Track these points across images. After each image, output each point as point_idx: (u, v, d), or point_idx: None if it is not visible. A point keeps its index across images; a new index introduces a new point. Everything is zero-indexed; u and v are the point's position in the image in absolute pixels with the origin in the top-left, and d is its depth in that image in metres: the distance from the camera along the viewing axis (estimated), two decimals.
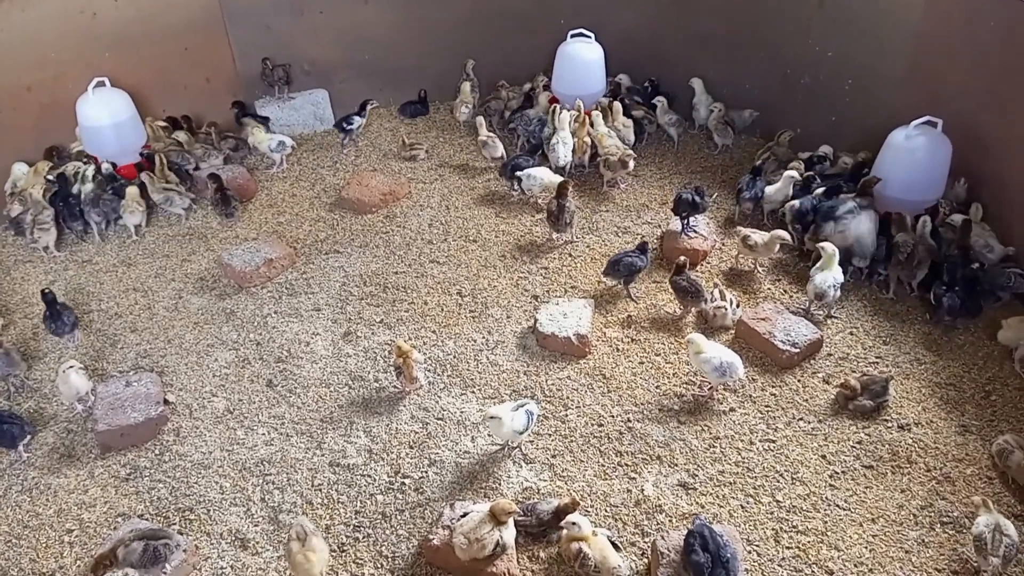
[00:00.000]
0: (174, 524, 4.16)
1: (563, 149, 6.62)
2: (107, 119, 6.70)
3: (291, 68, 7.64)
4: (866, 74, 6.42)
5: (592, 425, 4.69)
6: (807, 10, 6.69)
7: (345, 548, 4.06)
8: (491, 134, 7.08)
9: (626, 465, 4.45)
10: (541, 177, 6.41)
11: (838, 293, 5.20)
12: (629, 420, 4.71)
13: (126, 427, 4.61)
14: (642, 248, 5.56)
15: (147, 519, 4.18)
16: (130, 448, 4.64)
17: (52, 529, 4.25)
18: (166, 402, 4.82)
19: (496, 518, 3.73)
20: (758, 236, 5.58)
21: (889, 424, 4.62)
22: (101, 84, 6.74)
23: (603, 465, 4.46)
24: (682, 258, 5.35)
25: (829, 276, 5.18)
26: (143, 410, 4.68)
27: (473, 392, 4.97)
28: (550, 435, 4.65)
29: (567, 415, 4.77)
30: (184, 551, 3.92)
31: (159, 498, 4.36)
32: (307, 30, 7.63)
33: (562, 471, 4.43)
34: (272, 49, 7.54)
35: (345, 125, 7.50)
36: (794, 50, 6.82)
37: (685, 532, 3.72)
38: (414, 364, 4.82)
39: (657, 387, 4.92)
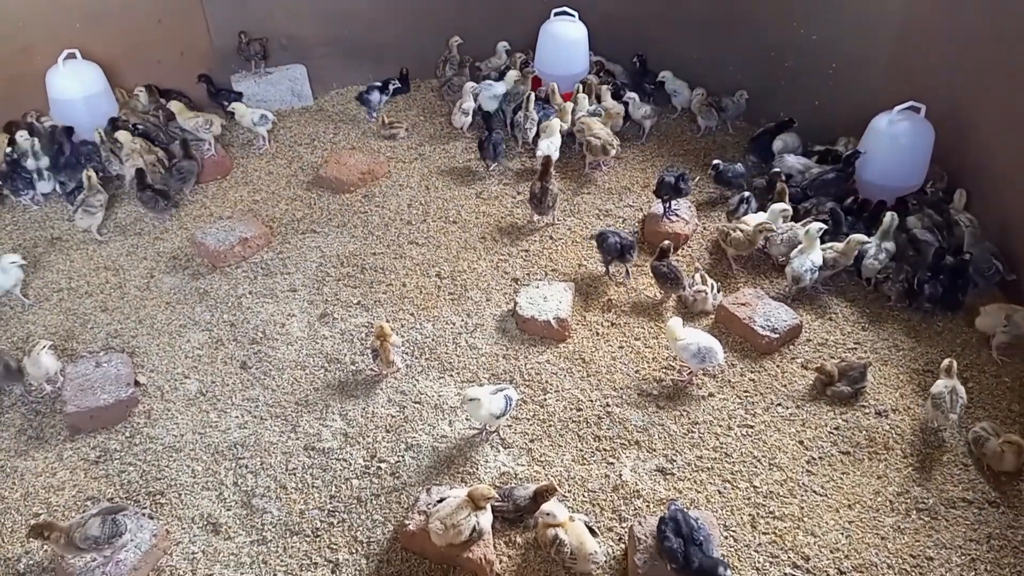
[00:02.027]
0: (145, 509, 4.08)
1: (545, 144, 6.45)
2: (79, 92, 6.53)
3: (268, 42, 7.47)
4: (850, 59, 6.39)
5: (571, 410, 4.66)
6: None
7: (319, 533, 4.00)
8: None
9: (604, 450, 4.42)
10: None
11: (816, 275, 5.18)
12: (608, 405, 4.68)
13: (96, 409, 4.51)
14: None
15: (117, 503, 4.09)
16: (100, 430, 4.54)
17: (18, 513, 4.15)
18: (137, 384, 4.72)
19: (475, 503, 3.69)
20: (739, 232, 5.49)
21: (866, 410, 4.63)
22: (72, 56, 6.56)
23: (581, 450, 4.43)
24: (666, 242, 5.30)
25: (807, 260, 5.16)
26: (113, 392, 4.58)
27: (451, 375, 4.91)
28: (528, 419, 4.61)
29: (546, 399, 4.73)
30: (154, 535, 3.85)
31: (129, 481, 4.27)
32: (285, 4, 7.47)
33: (540, 456, 4.39)
34: (249, 23, 7.36)
35: (365, 96, 7.43)
36: (778, 33, 6.77)
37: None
38: (391, 347, 4.75)
39: (636, 372, 4.89)
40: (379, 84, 7.56)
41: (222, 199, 6.47)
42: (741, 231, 5.47)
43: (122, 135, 6.31)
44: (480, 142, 6.50)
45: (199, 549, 3.95)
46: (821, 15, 6.47)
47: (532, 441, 4.48)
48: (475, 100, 7.09)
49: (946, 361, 4.44)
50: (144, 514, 3.98)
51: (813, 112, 6.72)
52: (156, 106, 7.01)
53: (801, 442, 4.44)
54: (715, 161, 6.21)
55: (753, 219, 5.57)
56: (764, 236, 5.44)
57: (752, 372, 4.86)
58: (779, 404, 4.66)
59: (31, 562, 3.91)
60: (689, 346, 4.57)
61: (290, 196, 6.52)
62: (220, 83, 7.41)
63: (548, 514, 3.73)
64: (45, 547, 3.93)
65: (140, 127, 6.60)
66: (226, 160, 6.81)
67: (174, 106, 6.75)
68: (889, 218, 5.36)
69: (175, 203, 6.29)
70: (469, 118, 7.09)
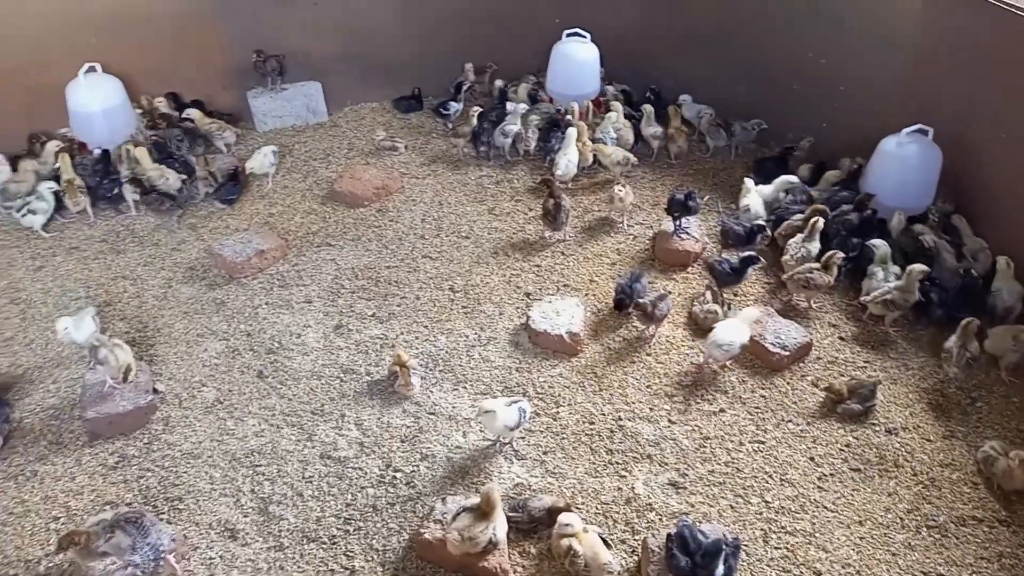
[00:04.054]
0: (163, 514, 4.12)
1: (564, 161, 6.57)
2: (98, 105, 6.64)
3: (285, 59, 7.58)
4: (859, 81, 6.49)
5: (583, 423, 4.71)
6: (802, 17, 6.75)
7: (336, 540, 4.04)
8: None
9: (617, 463, 4.47)
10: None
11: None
12: (620, 419, 4.73)
13: (114, 415, 4.56)
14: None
15: (135, 507, 4.13)
16: (118, 436, 4.59)
17: (38, 516, 4.20)
18: (155, 391, 4.78)
19: (486, 503, 3.73)
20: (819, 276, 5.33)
21: (876, 428, 4.67)
22: (92, 70, 6.68)
23: (594, 463, 4.47)
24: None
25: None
26: (132, 398, 4.63)
27: (465, 388, 4.97)
28: (542, 432, 4.66)
29: (558, 412, 4.78)
30: (173, 540, 3.89)
31: (147, 487, 4.32)
32: (300, 21, 7.59)
33: (553, 468, 4.44)
34: (264, 39, 7.48)
35: (442, 111, 7.48)
36: (788, 56, 6.88)
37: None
38: (411, 372, 4.82)
39: (648, 386, 4.94)
40: (451, 93, 7.71)
41: (238, 212, 6.56)
42: (821, 273, 5.31)
43: (140, 153, 6.40)
44: (545, 210, 6.08)
45: (217, 555, 3.99)
46: (831, 38, 6.58)
47: (545, 453, 4.53)
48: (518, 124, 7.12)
49: (964, 321, 4.78)
50: (162, 519, 4.02)
51: (820, 134, 6.82)
52: (175, 118, 7.12)
53: (812, 458, 4.49)
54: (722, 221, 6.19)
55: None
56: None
57: (763, 389, 4.91)
58: (790, 421, 4.71)
59: (51, 564, 3.94)
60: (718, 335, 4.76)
61: (305, 210, 6.60)
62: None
63: (566, 524, 3.77)
64: (61, 554, 3.98)
65: (157, 139, 6.74)
66: (242, 174, 6.90)
67: (193, 113, 6.86)
68: (883, 247, 5.42)
69: (180, 205, 6.40)
70: (510, 140, 7.07)
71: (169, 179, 6.44)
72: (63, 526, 4.13)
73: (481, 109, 7.25)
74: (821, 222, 5.55)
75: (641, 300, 5.15)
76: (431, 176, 7.07)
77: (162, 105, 7.17)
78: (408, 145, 7.43)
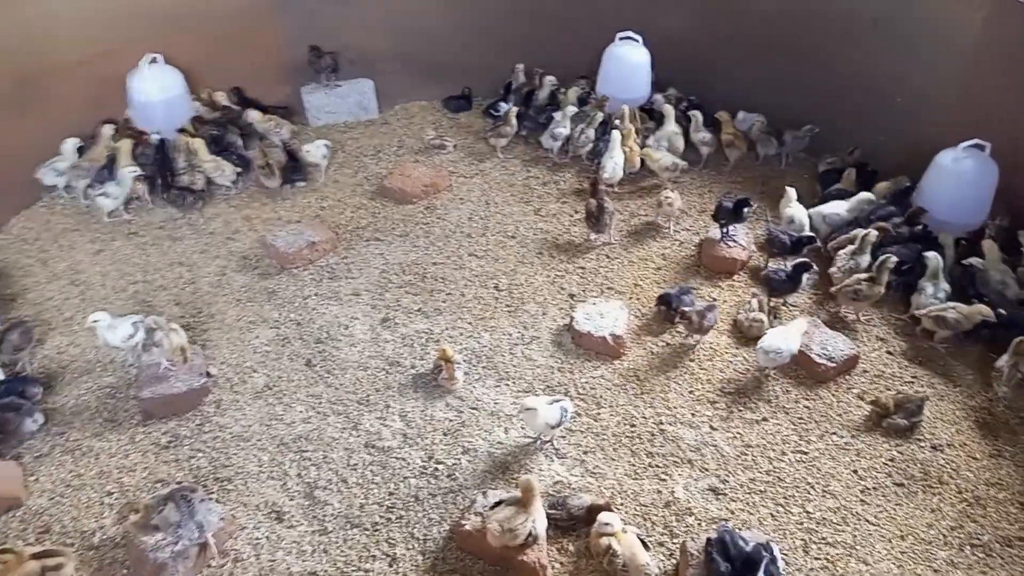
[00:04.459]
0: (212, 493, 4.25)
1: (611, 165, 6.60)
2: (158, 95, 6.84)
3: (339, 56, 7.72)
4: (917, 94, 6.40)
5: (624, 425, 4.73)
6: (860, 27, 6.68)
7: (378, 527, 4.13)
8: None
9: (657, 466, 4.48)
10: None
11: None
12: (661, 422, 4.74)
13: (169, 396, 4.71)
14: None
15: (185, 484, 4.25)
16: (171, 417, 4.74)
17: (93, 490, 4.35)
18: (208, 374, 4.92)
19: (525, 491, 3.77)
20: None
21: (922, 444, 4.63)
22: (154, 61, 6.88)
23: (634, 465, 4.50)
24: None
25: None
26: (186, 380, 4.78)
27: (507, 384, 5.02)
28: (582, 432, 4.69)
29: (599, 413, 4.81)
30: (222, 519, 4.00)
31: (198, 467, 4.45)
32: (355, 19, 7.73)
33: (593, 468, 4.47)
34: (319, 36, 7.62)
35: (492, 111, 7.58)
36: (844, 66, 6.81)
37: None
38: (455, 367, 4.89)
39: (690, 392, 4.95)
40: (501, 94, 7.81)
41: (291, 204, 6.70)
42: (869, 285, 5.26)
43: (198, 144, 6.58)
44: (589, 212, 6.11)
45: (263, 535, 4.10)
46: (890, 49, 6.50)
47: (586, 453, 4.56)
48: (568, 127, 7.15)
49: (1017, 340, 4.74)
50: (211, 499, 4.14)
51: (875, 145, 6.74)
52: (235, 112, 7.29)
53: (855, 471, 4.46)
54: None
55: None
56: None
57: (807, 400, 4.88)
58: (834, 433, 4.68)
59: (105, 536, 4.09)
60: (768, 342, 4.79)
61: (355, 204, 6.72)
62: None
63: (605, 524, 3.81)
64: (118, 525, 4.13)
65: (214, 132, 6.92)
66: (299, 155, 7.02)
67: (253, 115, 7.03)
68: (935, 260, 5.35)
69: (201, 198, 6.58)
70: (559, 143, 7.12)
71: (225, 171, 6.61)
72: (116, 501, 4.28)
73: (519, 109, 7.31)
74: (873, 234, 5.50)
75: (686, 309, 5.15)
76: (479, 175, 7.14)
77: (222, 98, 7.35)
78: (457, 144, 7.51)
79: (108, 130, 6.71)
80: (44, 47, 6.53)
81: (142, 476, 4.41)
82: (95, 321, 4.86)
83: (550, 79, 7.72)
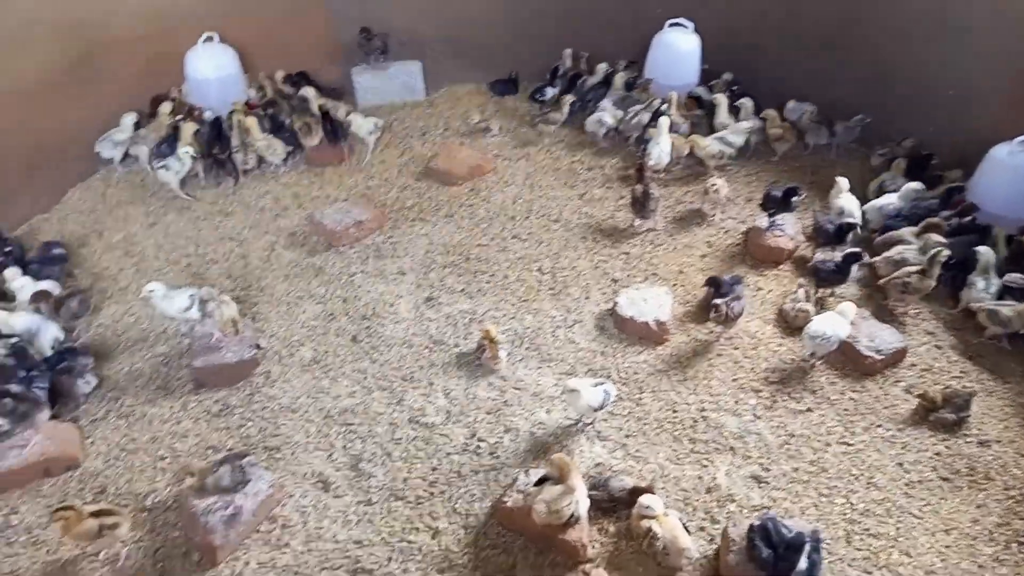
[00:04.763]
0: (262, 461, 4.35)
1: (657, 151, 6.57)
2: (213, 73, 6.96)
3: (389, 38, 7.78)
4: (971, 86, 6.27)
5: (666, 410, 4.74)
6: (912, 16, 6.55)
7: (421, 501, 4.20)
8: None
9: (699, 452, 4.49)
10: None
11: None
12: (704, 409, 4.74)
13: (221, 366, 4.83)
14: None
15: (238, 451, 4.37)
16: (222, 386, 4.86)
17: (146, 455, 4.49)
18: (258, 347, 5.03)
19: (559, 470, 3.81)
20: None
21: (969, 439, 4.56)
22: (210, 39, 7.00)
23: (675, 450, 4.51)
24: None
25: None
26: (237, 351, 4.90)
27: (549, 366, 5.05)
28: (624, 416, 4.71)
29: (641, 398, 4.82)
30: (271, 486, 4.11)
31: (248, 435, 4.56)
32: (405, 2, 7.78)
33: (635, 451, 4.49)
34: (370, 18, 7.70)
35: (538, 96, 7.60)
36: (898, 57, 6.69)
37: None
38: (498, 347, 4.94)
39: (734, 380, 4.94)
40: (547, 79, 7.78)
41: (338, 183, 6.79)
42: (920, 278, 5.20)
43: (251, 123, 6.69)
44: (634, 198, 6.12)
45: (310, 503, 4.19)
46: (944, 41, 6.37)
47: (627, 437, 4.58)
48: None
49: None
50: (261, 466, 4.25)
51: (927, 138, 6.62)
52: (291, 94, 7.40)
53: (900, 464, 4.42)
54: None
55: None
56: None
57: (853, 392, 4.84)
58: (880, 425, 4.63)
59: (158, 499, 4.22)
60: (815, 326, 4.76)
61: (401, 185, 6.79)
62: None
63: (647, 507, 3.83)
64: (170, 488, 4.26)
65: (269, 111, 7.03)
66: (342, 147, 7.13)
67: (309, 91, 7.14)
68: (987, 255, 5.26)
69: (231, 174, 6.67)
70: (604, 129, 7.11)
71: (276, 150, 6.72)
72: (169, 466, 4.41)
73: (574, 98, 7.29)
74: (935, 237, 5.41)
75: (718, 301, 5.06)
76: (524, 159, 7.16)
77: (279, 80, 7.45)
78: (502, 127, 7.54)
79: (166, 107, 6.86)
80: (106, 22, 6.69)
81: (193, 442, 4.54)
82: (150, 291, 5.00)
83: (603, 65, 7.69)
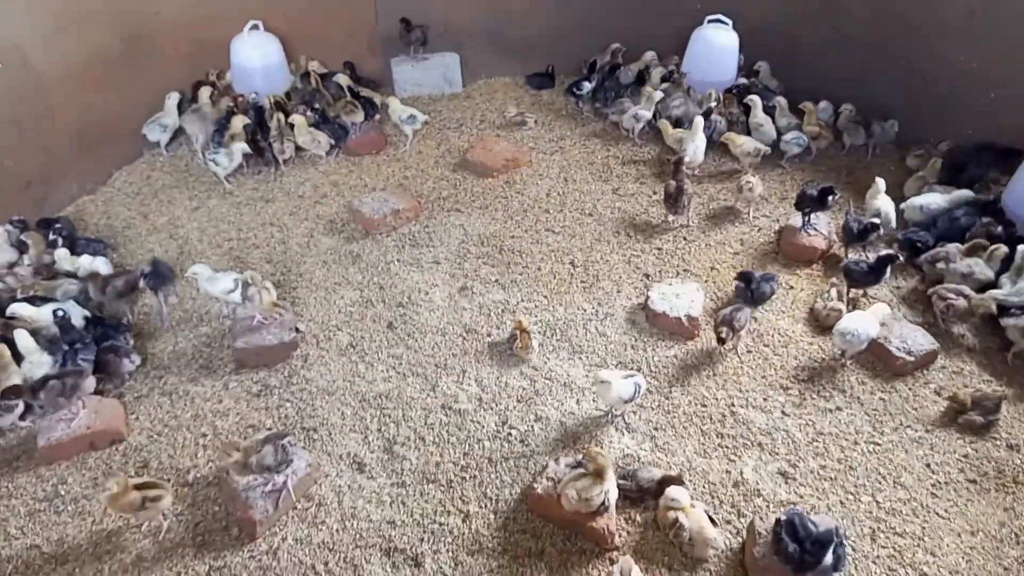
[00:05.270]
0: (299, 441, 4.49)
1: (692, 147, 6.61)
2: (258, 61, 7.10)
3: (428, 30, 7.87)
4: (1012, 88, 6.22)
5: (695, 405, 4.80)
6: (955, 18, 6.50)
7: (453, 485, 4.31)
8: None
9: (726, 447, 4.54)
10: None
11: None
12: (733, 404, 4.79)
13: (261, 348, 4.98)
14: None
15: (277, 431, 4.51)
16: (262, 367, 5.01)
17: (188, 431, 4.64)
18: (297, 330, 5.16)
19: (594, 464, 3.89)
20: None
21: (998, 442, 4.57)
22: (255, 27, 7.14)
23: (703, 444, 4.57)
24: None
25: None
26: (277, 334, 5.04)
27: (580, 358, 5.13)
28: (653, 408, 4.78)
29: (671, 392, 4.89)
30: (308, 465, 4.24)
31: (286, 416, 4.70)
32: None
33: (663, 443, 4.56)
34: (410, 10, 7.79)
35: (575, 90, 7.66)
36: (937, 58, 6.65)
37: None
38: (530, 338, 5.02)
39: (763, 377, 4.98)
40: (584, 74, 7.81)
41: (376, 172, 6.91)
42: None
43: (298, 120, 6.80)
44: (667, 193, 6.16)
45: (345, 484, 4.32)
46: (985, 42, 6.32)
47: (656, 429, 4.65)
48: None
49: None
50: (299, 446, 4.38)
51: (964, 140, 6.58)
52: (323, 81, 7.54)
53: (928, 465, 4.44)
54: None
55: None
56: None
57: (883, 392, 4.86)
58: (908, 426, 4.66)
59: (199, 475, 4.38)
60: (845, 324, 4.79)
61: (437, 176, 6.89)
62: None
63: (673, 499, 3.90)
64: (210, 464, 4.41)
65: (310, 102, 7.18)
66: (380, 137, 7.25)
67: (341, 79, 7.25)
68: (1022, 254, 5.24)
69: (270, 163, 6.81)
70: (641, 124, 7.13)
71: (320, 142, 6.84)
72: (210, 442, 4.56)
73: (662, 95, 7.21)
74: (1004, 249, 5.34)
75: (722, 335, 4.94)
76: (558, 152, 7.23)
77: (316, 68, 7.58)
78: (538, 120, 7.60)
79: (205, 92, 7.01)
80: (155, 7, 6.86)
81: (234, 420, 4.69)
82: (194, 273, 5.15)
83: (650, 54, 7.75)
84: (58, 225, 5.83)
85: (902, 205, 6.02)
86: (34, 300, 5.07)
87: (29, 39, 6.08)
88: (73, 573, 3.95)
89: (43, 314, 4.96)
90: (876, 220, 5.72)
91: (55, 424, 4.53)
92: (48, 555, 4.02)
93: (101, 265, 5.51)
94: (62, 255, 5.52)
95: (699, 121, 6.65)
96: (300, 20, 7.54)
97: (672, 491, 3.97)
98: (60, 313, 4.93)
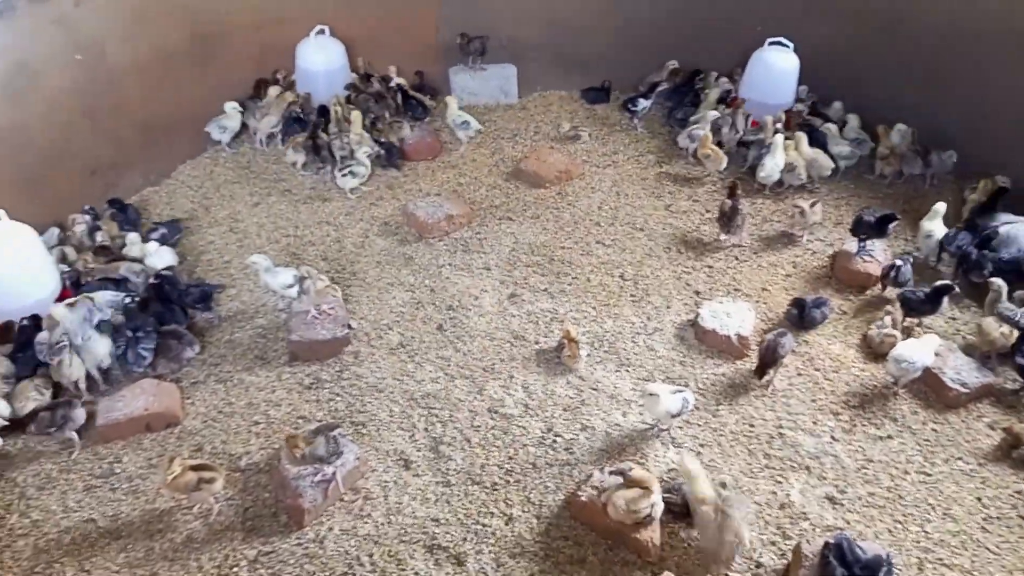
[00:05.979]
0: (348, 435, 4.56)
1: (771, 164, 6.61)
2: (322, 65, 7.27)
3: (488, 40, 7.97)
4: None
5: (743, 424, 4.78)
6: (1019, 47, 6.40)
7: (497, 487, 4.35)
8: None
9: (773, 468, 4.51)
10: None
11: None
12: (781, 426, 4.76)
13: (315, 342, 5.08)
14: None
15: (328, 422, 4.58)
16: (314, 361, 5.11)
17: (242, 419, 4.75)
18: (349, 327, 5.26)
19: (639, 485, 3.91)
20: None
21: None
22: (321, 32, 7.31)
23: (750, 464, 4.54)
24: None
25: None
26: (331, 329, 5.14)
27: (627, 371, 5.14)
28: (700, 425, 4.77)
29: (718, 410, 4.87)
30: (357, 458, 4.31)
31: (336, 409, 4.79)
32: (509, 7, 7.98)
33: (709, 461, 4.54)
34: (471, 21, 7.90)
35: (631, 107, 7.72)
36: (1003, 89, 6.55)
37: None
38: (578, 348, 5.05)
39: (813, 400, 4.94)
40: (643, 91, 7.82)
41: (430, 178, 7.02)
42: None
43: (355, 116, 6.94)
44: (722, 212, 6.18)
45: (391, 479, 4.38)
46: None
47: (702, 446, 4.64)
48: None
49: None
50: (348, 439, 4.46)
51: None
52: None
53: (979, 499, 4.36)
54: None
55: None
56: None
57: (935, 423, 4.79)
58: (960, 458, 4.58)
59: (250, 461, 4.47)
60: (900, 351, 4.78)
61: (490, 184, 6.97)
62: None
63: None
64: (262, 451, 4.50)
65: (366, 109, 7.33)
66: (436, 143, 7.36)
67: (399, 79, 7.42)
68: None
69: (322, 163, 6.88)
70: (696, 144, 7.09)
71: (365, 148, 6.92)
72: (263, 431, 4.66)
73: (717, 115, 7.22)
74: None
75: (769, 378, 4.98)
76: (611, 167, 7.26)
77: (393, 72, 7.75)
78: (592, 134, 7.65)
79: (274, 90, 7.21)
80: (225, 7, 7.06)
81: (286, 411, 4.79)
82: (253, 262, 5.29)
83: (722, 79, 7.83)
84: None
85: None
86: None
87: (108, 32, 6.32)
88: (125, 548, 4.06)
89: (76, 315, 4.82)
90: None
91: (114, 404, 4.68)
92: (103, 530, 4.15)
93: (167, 255, 5.68)
94: (133, 239, 5.72)
95: (779, 139, 6.63)
96: (364, 27, 7.69)
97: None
98: (127, 302, 5.10)
